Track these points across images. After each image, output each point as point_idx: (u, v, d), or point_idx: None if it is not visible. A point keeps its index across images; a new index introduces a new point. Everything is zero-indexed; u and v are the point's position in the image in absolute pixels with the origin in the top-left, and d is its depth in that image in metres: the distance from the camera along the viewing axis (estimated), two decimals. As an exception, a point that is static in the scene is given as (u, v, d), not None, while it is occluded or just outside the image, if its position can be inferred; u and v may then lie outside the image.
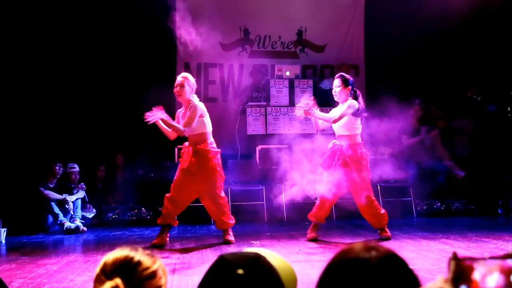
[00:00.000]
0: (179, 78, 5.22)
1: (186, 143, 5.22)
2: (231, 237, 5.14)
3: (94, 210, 6.87)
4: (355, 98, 5.17)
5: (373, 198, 5.21)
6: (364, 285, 0.92)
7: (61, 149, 7.32)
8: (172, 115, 8.44)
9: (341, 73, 5.37)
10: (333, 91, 5.29)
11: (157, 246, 4.90)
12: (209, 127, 5.15)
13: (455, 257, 0.97)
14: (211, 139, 5.14)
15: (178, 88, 5.14)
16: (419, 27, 8.67)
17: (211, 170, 5.01)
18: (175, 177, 5.14)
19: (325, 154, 5.27)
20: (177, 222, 5.24)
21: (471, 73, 8.99)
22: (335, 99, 5.28)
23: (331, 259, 1.00)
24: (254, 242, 5.18)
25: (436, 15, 8.64)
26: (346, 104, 5.11)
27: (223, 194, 5.14)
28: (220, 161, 5.15)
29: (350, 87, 5.18)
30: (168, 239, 5.15)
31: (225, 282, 1.06)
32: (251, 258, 1.10)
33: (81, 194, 6.56)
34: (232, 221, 5.18)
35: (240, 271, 1.05)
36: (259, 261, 1.09)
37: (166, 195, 5.16)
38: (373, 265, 0.94)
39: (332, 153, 5.20)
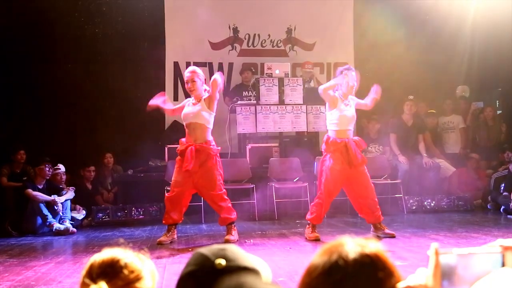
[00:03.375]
0: (188, 74, 5.13)
1: (183, 139, 5.12)
2: (232, 236, 5.06)
3: (84, 211, 6.81)
4: None
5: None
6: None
7: (49, 149, 7.26)
8: (162, 116, 8.44)
9: (349, 66, 5.44)
10: (351, 83, 5.15)
11: (163, 244, 4.93)
12: (212, 124, 5.14)
13: (435, 250, 0.96)
14: (211, 136, 5.12)
15: (189, 84, 5.06)
16: (408, 25, 8.71)
17: (213, 169, 4.99)
18: (175, 176, 5.04)
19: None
20: (182, 218, 5.24)
21: (460, 70, 9.05)
22: (347, 91, 5.17)
23: (314, 259, 0.98)
24: (246, 241, 5.17)
25: (425, 13, 8.70)
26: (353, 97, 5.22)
27: (223, 190, 5.10)
28: (220, 159, 5.16)
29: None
30: (176, 236, 5.17)
31: (206, 275, 1.06)
32: (225, 249, 1.11)
33: (70, 195, 6.50)
34: (233, 215, 5.11)
35: (221, 261, 1.05)
36: (233, 251, 1.10)
37: (167, 195, 5.14)
38: (348, 269, 0.92)
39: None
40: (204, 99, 5.06)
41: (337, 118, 5.06)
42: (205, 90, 5.12)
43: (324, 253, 0.96)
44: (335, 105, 5.10)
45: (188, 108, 5.10)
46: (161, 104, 5.21)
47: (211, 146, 5.01)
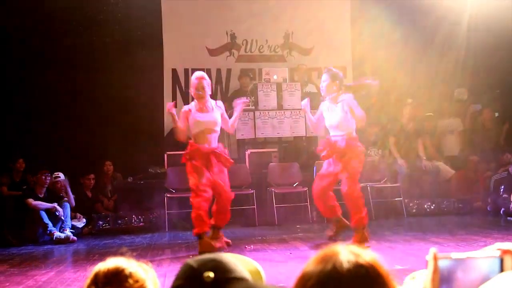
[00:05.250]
0: (196, 80, 4.99)
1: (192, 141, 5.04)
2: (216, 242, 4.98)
3: (84, 219, 6.81)
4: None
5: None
6: None
7: (49, 157, 7.26)
8: (160, 121, 8.45)
9: (329, 68, 5.35)
10: (320, 85, 5.25)
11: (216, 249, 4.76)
12: None
13: (433, 255, 0.97)
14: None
15: (200, 91, 4.97)
16: (404, 29, 8.74)
17: (225, 174, 5.07)
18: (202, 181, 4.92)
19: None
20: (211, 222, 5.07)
21: (457, 73, 9.07)
22: (322, 93, 5.22)
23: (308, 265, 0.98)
24: (246, 246, 5.17)
25: (421, 16, 8.73)
26: (353, 103, 5.02)
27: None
28: None
29: (337, 81, 5.11)
30: (223, 238, 5.12)
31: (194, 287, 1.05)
32: (214, 259, 1.09)
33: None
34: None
35: (210, 274, 1.04)
36: (222, 262, 1.09)
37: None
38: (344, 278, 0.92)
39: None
40: (221, 114, 5.09)
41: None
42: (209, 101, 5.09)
43: (318, 262, 0.95)
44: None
45: (201, 115, 5.00)
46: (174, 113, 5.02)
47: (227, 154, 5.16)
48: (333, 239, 5.20)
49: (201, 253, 4.59)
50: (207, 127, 5.00)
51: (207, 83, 5.03)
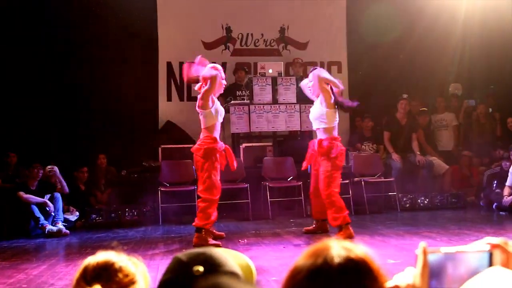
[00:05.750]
0: (216, 73, 4.87)
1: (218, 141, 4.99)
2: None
3: (77, 213, 6.78)
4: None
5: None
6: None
7: (42, 150, 7.22)
8: (154, 115, 8.41)
9: (315, 67, 5.39)
10: (308, 87, 5.28)
11: None
12: None
13: (423, 249, 0.96)
14: None
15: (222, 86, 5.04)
16: (400, 24, 8.73)
17: None
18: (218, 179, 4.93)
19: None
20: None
21: (452, 68, 9.08)
22: (310, 96, 5.29)
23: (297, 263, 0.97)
24: (240, 240, 5.16)
25: (417, 11, 8.72)
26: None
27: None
28: None
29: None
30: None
31: (183, 283, 1.04)
32: (204, 253, 1.09)
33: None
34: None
35: (199, 268, 1.04)
36: (212, 256, 1.08)
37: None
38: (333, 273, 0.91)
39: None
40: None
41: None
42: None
43: (309, 256, 0.94)
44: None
45: (219, 106, 5.00)
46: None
47: None
48: (309, 232, 5.34)
49: (196, 246, 4.62)
50: (221, 121, 5.02)
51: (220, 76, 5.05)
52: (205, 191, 4.82)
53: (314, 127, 5.28)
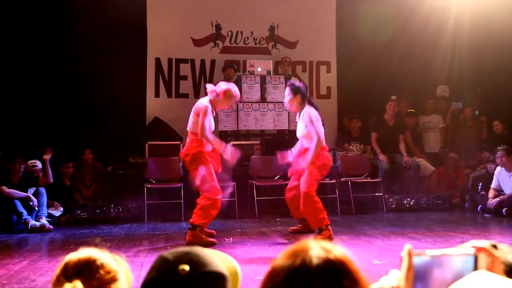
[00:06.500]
0: (237, 98, 5.16)
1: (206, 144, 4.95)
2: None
3: (61, 208, 6.70)
4: (310, 104, 5.07)
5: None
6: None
7: (27, 145, 7.12)
8: (142, 111, 8.35)
9: (291, 82, 5.31)
10: (284, 100, 5.20)
11: None
12: None
13: (408, 252, 0.95)
14: None
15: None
16: (390, 25, 8.76)
17: None
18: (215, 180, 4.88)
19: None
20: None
21: (441, 71, 9.15)
22: (287, 109, 5.27)
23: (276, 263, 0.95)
24: (226, 239, 5.14)
25: (407, 13, 8.76)
26: (308, 119, 4.93)
27: None
28: None
29: (299, 95, 5.00)
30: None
31: (168, 282, 1.03)
32: (190, 252, 1.07)
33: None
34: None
35: (184, 267, 1.02)
36: (197, 255, 1.07)
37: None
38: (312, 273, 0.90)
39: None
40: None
41: None
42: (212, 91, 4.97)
43: (288, 257, 0.93)
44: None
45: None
46: None
47: None
48: (295, 232, 5.33)
49: (189, 244, 4.56)
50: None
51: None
52: (207, 191, 4.78)
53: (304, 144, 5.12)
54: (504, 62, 8.54)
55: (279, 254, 0.96)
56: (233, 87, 5.07)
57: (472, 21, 8.57)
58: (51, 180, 6.62)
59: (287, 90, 5.10)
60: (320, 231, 4.91)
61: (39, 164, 6.56)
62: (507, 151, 6.78)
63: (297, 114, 5.16)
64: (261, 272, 3.48)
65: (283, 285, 0.90)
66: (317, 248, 0.93)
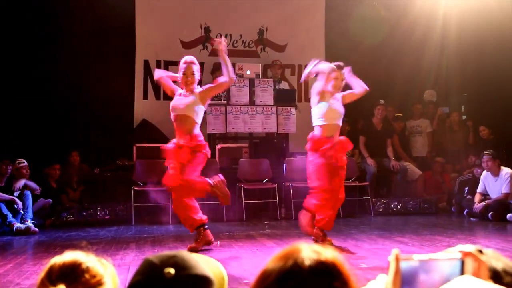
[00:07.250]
0: (184, 65, 4.57)
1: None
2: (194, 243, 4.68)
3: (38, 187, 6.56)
4: None
5: None
6: None
7: (13, 146, 7.04)
8: (130, 113, 8.30)
9: (338, 64, 5.16)
10: (335, 84, 5.03)
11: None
12: (201, 119, 4.71)
13: (395, 256, 0.95)
14: (198, 130, 4.69)
15: (189, 77, 4.54)
16: (378, 29, 8.82)
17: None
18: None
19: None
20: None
21: (429, 75, 9.23)
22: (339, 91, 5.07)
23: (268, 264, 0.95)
24: (214, 242, 5.10)
25: (395, 17, 8.83)
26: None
27: None
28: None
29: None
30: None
31: (153, 285, 1.02)
32: (175, 256, 1.06)
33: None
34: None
35: (170, 270, 1.02)
36: (183, 258, 1.06)
37: None
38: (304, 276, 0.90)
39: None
40: (200, 92, 4.61)
41: (324, 112, 4.87)
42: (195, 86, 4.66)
43: (279, 259, 0.93)
44: (324, 97, 4.90)
45: (179, 99, 4.59)
46: (164, 76, 4.77)
47: (199, 142, 4.60)
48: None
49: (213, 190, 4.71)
50: (180, 112, 4.57)
51: (196, 68, 4.67)
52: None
53: (334, 121, 4.97)
54: (491, 68, 8.64)
55: (270, 257, 0.96)
56: (181, 62, 4.69)
57: (460, 27, 8.67)
58: (38, 192, 6.48)
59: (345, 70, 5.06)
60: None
61: (25, 161, 6.46)
62: (493, 156, 6.85)
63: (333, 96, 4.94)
64: (248, 276, 3.47)
65: (274, 286, 0.90)
66: (308, 250, 0.93)
